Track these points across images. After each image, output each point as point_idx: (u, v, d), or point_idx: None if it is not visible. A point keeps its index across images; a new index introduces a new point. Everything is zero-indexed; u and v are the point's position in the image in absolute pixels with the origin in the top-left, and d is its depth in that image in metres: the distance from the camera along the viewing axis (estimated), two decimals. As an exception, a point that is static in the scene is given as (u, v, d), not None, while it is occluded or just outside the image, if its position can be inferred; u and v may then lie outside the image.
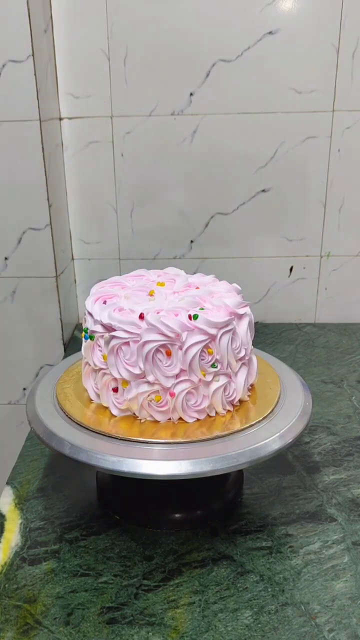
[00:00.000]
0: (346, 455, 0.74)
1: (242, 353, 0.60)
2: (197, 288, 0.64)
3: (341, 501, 0.66)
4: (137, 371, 0.57)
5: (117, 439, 0.56)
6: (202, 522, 0.63)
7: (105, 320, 0.58)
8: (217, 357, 0.57)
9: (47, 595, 0.54)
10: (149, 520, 0.63)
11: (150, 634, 0.50)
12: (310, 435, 0.78)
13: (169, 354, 0.56)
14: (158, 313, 0.56)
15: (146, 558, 0.59)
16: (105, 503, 0.66)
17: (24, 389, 1.11)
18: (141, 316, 0.56)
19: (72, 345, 1.09)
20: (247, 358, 0.61)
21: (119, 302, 0.60)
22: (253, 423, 0.58)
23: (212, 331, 0.56)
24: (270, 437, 0.56)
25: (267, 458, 0.55)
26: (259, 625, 0.51)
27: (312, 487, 0.68)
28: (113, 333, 0.57)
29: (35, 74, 0.89)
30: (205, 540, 0.61)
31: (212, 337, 0.57)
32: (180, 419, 0.59)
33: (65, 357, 0.99)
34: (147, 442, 0.56)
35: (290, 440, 0.57)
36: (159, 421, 0.59)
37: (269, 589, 0.54)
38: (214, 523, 0.63)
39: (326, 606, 0.52)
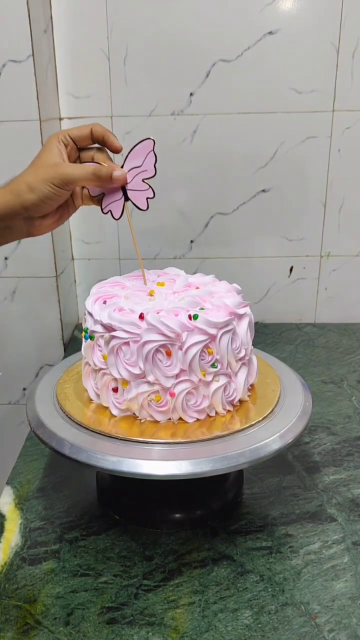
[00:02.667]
0: (346, 455, 0.74)
1: (242, 353, 0.60)
2: (197, 288, 0.64)
3: (341, 501, 0.66)
4: (137, 371, 0.57)
5: (117, 439, 0.56)
6: (202, 522, 0.63)
7: (105, 320, 0.58)
8: (217, 357, 0.57)
9: (47, 595, 0.54)
10: (149, 520, 0.63)
11: (150, 634, 0.50)
12: (310, 435, 0.78)
13: (169, 354, 0.56)
14: (158, 313, 0.56)
15: (146, 558, 0.59)
16: (105, 503, 0.66)
17: (24, 389, 1.11)
18: (141, 316, 0.56)
19: (72, 345, 1.09)
20: (247, 358, 0.61)
21: (119, 302, 0.60)
22: (253, 423, 0.58)
23: (212, 331, 0.56)
24: (270, 437, 0.56)
25: (267, 458, 0.55)
26: (259, 625, 0.51)
27: (312, 487, 0.68)
28: (113, 333, 0.57)
29: (35, 74, 0.89)
30: (205, 540, 0.61)
31: (212, 337, 0.57)
32: (180, 419, 0.59)
33: (65, 357, 0.98)
34: (147, 442, 0.56)
35: (290, 440, 0.57)
36: (159, 421, 0.58)
37: (269, 589, 0.54)
38: (214, 523, 0.63)
39: (326, 606, 0.52)
